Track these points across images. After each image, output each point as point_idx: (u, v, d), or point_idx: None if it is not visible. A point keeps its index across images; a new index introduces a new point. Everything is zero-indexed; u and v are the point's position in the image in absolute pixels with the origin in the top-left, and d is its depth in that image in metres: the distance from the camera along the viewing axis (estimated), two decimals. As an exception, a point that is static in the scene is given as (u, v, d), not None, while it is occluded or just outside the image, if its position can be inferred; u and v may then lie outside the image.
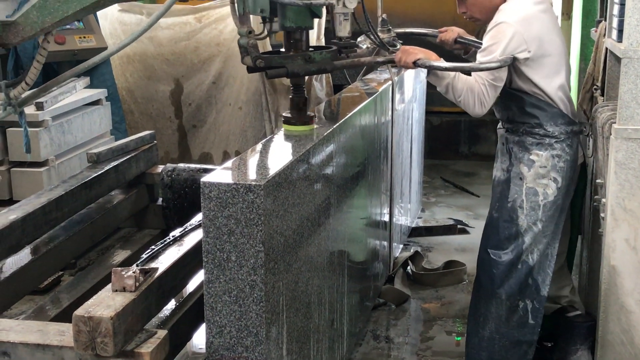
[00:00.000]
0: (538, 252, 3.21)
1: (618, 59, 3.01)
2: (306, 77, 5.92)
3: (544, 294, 3.25)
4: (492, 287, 3.27)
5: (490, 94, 3.05)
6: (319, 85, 5.84)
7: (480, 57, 3.08)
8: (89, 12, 2.31)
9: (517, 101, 3.17)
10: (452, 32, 3.56)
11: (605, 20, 3.44)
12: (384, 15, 3.77)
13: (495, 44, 3.03)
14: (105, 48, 5.38)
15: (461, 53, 3.65)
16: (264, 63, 2.76)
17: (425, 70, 3.25)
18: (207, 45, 5.96)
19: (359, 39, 3.51)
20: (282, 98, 5.91)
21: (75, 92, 4.95)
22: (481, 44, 3.44)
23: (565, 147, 3.16)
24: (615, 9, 3.07)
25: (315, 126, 2.88)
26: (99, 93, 5.10)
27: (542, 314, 3.28)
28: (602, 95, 3.44)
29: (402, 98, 4.51)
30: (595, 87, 3.61)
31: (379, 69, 4.61)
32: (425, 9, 6.60)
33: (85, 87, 5.14)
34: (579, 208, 3.49)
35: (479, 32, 4.27)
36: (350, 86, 4.07)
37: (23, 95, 2.41)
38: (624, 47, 2.80)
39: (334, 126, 2.90)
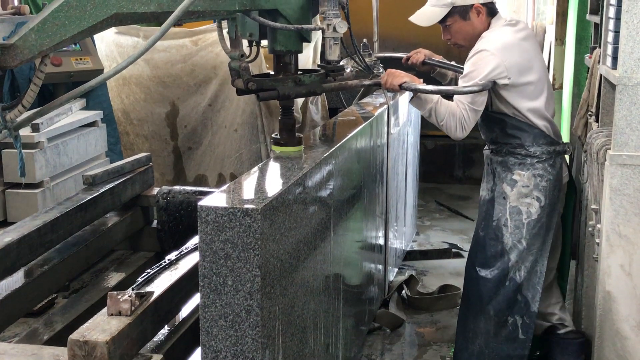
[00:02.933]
0: (525, 269, 3.31)
1: (612, 86, 3.03)
2: (301, 101, 5.99)
3: (534, 309, 3.34)
4: (480, 303, 3.37)
5: (471, 117, 3.17)
6: (315, 109, 5.87)
7: (461, 83, 3.20)
8: (87, 35, 2.31)
9: (499, 123, 3.30)
10: (420, 54, 3.69)
11: (600, 47, 3.46)
12: (365, 40, 3.87)
13: (476, 71, 3.15)
14: (102, 70, 5.40)
15: (429, 73, 3.77)
16: (256, 86, 2.79)
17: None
18: (203, 68, 5.98)
19: (341, 62, 3.58)
20: (277, 121, 5.91)
21: (71, 113, 4.95)
22: (448, 64, 3.58)
23: (548, 166, 3.28)
24: (610, 37, 3.09)
25: (303, 147, 2.91)
26: (95, 115, 5.10)
27: (533, 328, 3.36)
28: (597, 121, 3.46)
29: (398, 122, 4.53)
30: (589, 113, 3.63)
31: (374, 92, 4.63)
32: (420, 33, 6.64)
33: (81, 109, 5.14)
34: (571, 225, 3.56)
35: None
36: (346, 110, 4.08)
37: (19, 119, 2.39)
38: (618, 74, 2.83)
39: (331, 150, 2.91)
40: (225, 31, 2.95)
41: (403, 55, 3.76)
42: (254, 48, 2.92)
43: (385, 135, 4.14)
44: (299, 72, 2.94)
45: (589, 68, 3.83)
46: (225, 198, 2.28)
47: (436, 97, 3.18)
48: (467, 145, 7.26)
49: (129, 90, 6.11)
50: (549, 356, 3.52)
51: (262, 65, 5.15)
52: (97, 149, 5.10)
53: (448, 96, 3.25)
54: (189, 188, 4.06)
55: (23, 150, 4.37)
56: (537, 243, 3.31)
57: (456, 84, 3.51)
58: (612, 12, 3.10)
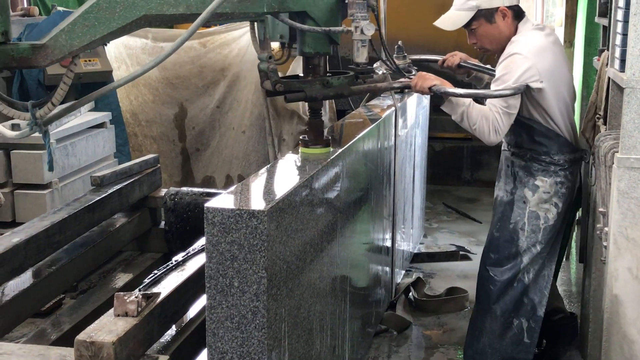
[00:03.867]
0: (534, 272, 3.34)
1: (620, 89, 3.02)
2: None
3: (541, 314, 3.37)
4: (487, 302, 3.40)
5: (505, 121, 3.13)
6: (322, 111, 5.86)
7: (493, 86, 3.16)
8: (116, 36, 2.37)
9: (527, 129, 3.27)
10: (455, 57, 3.66)
11: (608, 49, 3.46)
12: (400, 42, 3.84)
13: (509, 74, 3.11)
14: (110, 71, 5.42)
15: (464, 77, 3.76)
16: (284, 87, 2.80)
17: (428, 98, 3.34)
18: (211, 69, 6.00)
19: (375, 65, 3.58)
20: (285, 123, 5.94)
21: (79, 115, 4.97)
22: (483, 67, 3.55)
23: (568, 174, 3.29)
24: (618, 39, 3.09)
25: (332, 149, 2.91)
26: (103, 116, 5.12)
27: (538, 333, 3.39)
28: (605, 124, 3.45)
29: (405, 124, 4.53)
30: (597, 116, 3.62)
31: (381, 95, 4.63)
32: (428, 35, 6.66)
33: (89, 110, 5.16)
34: (570, 224, 3.60)
35: (482, 57, 4.34)
36: (353, 112, 4.09)
37: (48, 116, 2.46)
38: (626, 77, 2.81)
39: (338, 152, 2.92)
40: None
41: (438, 57, 3.74)
42: (285, 50, 2.95)
43: (393, 137, 4.14)
44: (328, 74, 2.94)
45: (597, 70, 3.82)
46: (232, 200, 2.28)
47: (468, 100, 3.14)
48: (475, 147, 7.25)
49: (138, 91, 6.13)
50: (546, 341, 3.62)
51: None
52: (106, 150, 5.12)
53: (479, 100, 3.22)
54: (196, 189, 4.07)
55: (31, 152, 4.42)
56: (548, 247, 3.35)
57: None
58: (620, 14, 3.09)
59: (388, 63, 3.31)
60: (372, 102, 4.41)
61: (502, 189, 3.43)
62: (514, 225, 3.33)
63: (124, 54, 6.03)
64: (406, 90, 4.48)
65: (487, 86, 3.64)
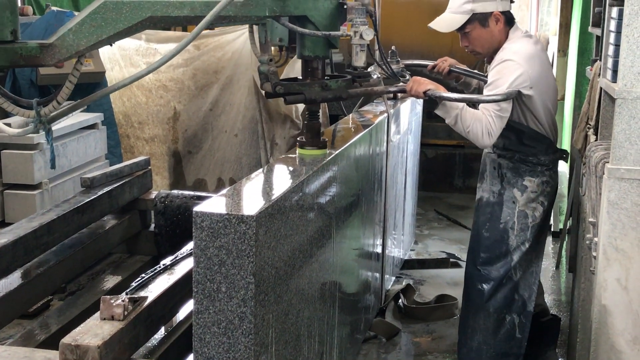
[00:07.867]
0: (522, 269, 3.44)
1: (612, 99, 3.02)
2: (301, 107, 5.99)
3: (530, 309, 3.48)
4: (480, 301, 3.48)
5: (497, 124, 3.20)
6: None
7: (486, 91, 3.26)
8: (123, 36, 2.39)
9: (516, 132, 3.36)
10: (445, 63, 3.74)
11: (600, 59, 3.46)
12: (394, 47, 3.89)
13: (501, 79, 3.20)
14: (103, 72, 5.40)
15: (453, 82, 3.83)
16: (283, 89, 2.83)
17: (421, 103, 3.39)
18: (204, 72, 5.99)
19: (369, 69, 3.61)
20: (277, 127, 5.93)
21: (71, 115, 4.94)
22: (473, 72, 3.65)
23: (552, 173, 3.44)
24: (610, 50, 3.09)
25: (328, 151, 2.95)
26: (95, 117, 5.10)
27: (529, 328, 3.49)
28: (596, 134, 3.46)
29: (398, 130, 4.53)
30: (588, 125, 3.63)
31: (374, 100, 4.64)
32: (423, 41, 6.68)
33: (81, 111, 5.14)
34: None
35: (475, 66, 4.39)
36: (346, 117, 4.08)
37: (52, 114, 2.48)
38: (618, 88, 2.81)
39: (329, 157, 2.91)
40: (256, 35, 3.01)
41: (429, 62, 3.82)
42: (284, 53, 3.01)
43: (385, 144, 4.14)
44: (326, 77, 2.98)
45: (589, 80, 3.83)
46: (221, 204, 2.27)
47: (461, 104, 3.21)
48: (467, 154, 7.26)
49: (130, 93, 6.11)
50: (531, 340, 3.67)
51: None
52: (97, 151, 5.10)
53: (472, 105, 3.29)
54: (186, 192, 4.05)
55: (22, 152, 4.40)
56: (535, 244, 3.45)
57: (480, 92, 3.57)
58: (613, 25, 3.10)
59: (384, 67, 3.36)
60: (365, 107, 4.41)
61: (488, 190, 3.51)
62: (504, 225, 3.42)
63: (117, 55, 6.02)
64: (400, 96, 4.52)
65: (475, 91, 3.76)
